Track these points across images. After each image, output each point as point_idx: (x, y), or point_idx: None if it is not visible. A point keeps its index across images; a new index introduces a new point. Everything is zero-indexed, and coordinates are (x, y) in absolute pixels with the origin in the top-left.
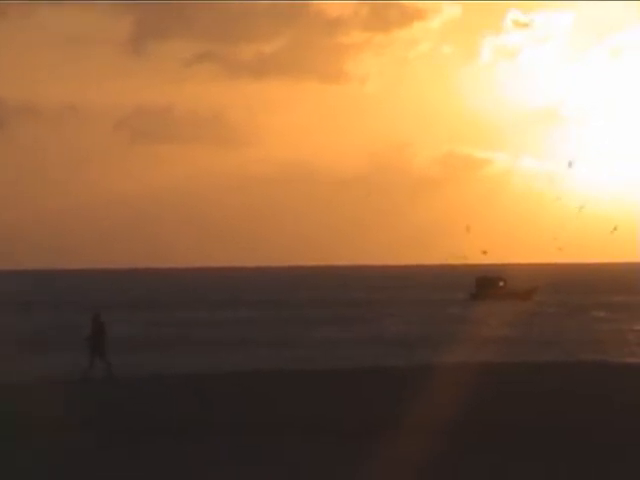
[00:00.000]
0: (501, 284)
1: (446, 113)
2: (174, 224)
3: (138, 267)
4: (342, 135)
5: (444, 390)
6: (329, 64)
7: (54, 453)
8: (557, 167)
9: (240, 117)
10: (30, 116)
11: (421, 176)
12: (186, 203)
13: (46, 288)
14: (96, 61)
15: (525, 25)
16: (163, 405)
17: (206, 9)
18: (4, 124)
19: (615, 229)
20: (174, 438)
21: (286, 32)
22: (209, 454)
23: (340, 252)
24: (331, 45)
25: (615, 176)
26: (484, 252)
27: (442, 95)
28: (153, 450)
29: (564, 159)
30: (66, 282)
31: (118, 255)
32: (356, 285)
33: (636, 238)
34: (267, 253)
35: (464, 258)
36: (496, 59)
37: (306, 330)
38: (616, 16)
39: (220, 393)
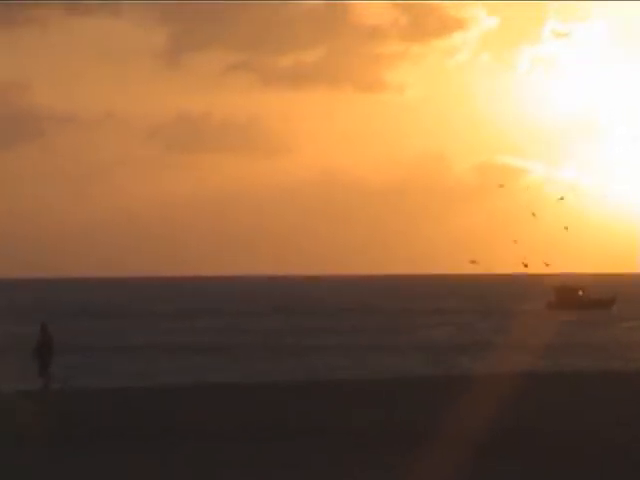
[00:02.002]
0: (580, 293)
1: (484, 122)
2: (208, 232)
3: (173, 275)
4: (379, 144)
5: (489, 400)
6: (367, 73)
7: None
8: (593, 177)
9: (277, 126)
10: (69, 125)
11: (458, 185)
12: (221, 211)
13: (71, 296)
14: (133, 71)
15: (564, 35)
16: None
17: (243, 19)
18: (43, 133)
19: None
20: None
21: (324, 41)
22: (205, 459)
23: (377, 261)
24: (369, 54)
25: None
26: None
27: (480, 104)
28: (135, 454)
29: (601, 169)
30: (93, 291)
31: (158, 263)
32: (417, 293)
33: None
34: (302, 262)
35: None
36: (534, 69)
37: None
38: None
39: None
